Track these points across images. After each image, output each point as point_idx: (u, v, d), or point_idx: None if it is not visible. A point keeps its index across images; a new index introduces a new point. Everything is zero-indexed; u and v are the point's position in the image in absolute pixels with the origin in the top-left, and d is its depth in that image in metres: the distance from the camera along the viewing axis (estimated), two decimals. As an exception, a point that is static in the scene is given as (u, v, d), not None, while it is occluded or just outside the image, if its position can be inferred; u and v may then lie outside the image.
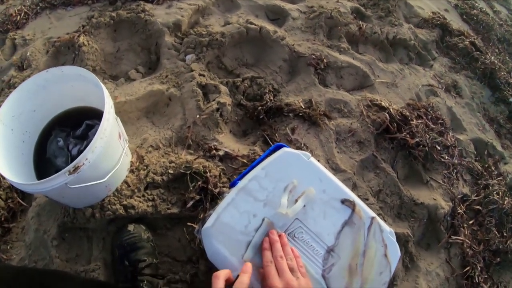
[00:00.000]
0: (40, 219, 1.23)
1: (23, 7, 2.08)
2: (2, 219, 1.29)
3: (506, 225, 1.87)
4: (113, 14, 1.86)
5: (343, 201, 1.03)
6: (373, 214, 1.05)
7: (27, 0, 2.16)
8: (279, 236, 0.93)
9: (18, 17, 2.02)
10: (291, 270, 0.85)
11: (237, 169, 1.37)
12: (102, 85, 1.03)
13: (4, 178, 1.00)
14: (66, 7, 2.08)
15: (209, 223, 0.95)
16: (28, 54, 1.75)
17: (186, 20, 1.89)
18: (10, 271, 0.84)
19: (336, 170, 1.50)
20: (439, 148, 1.83)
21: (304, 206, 0.99)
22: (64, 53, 1.77)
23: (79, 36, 1.74)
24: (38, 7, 2.09)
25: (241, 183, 1.00)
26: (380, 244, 1.02)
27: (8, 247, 1.26)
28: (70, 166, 0.90)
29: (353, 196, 1.05)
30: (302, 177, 1.03)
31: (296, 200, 0.98)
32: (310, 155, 1.07)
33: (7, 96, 1.52)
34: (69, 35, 1.78)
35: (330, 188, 1.04)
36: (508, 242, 1.81)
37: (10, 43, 1.90)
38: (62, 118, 1.26)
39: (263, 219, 0.96)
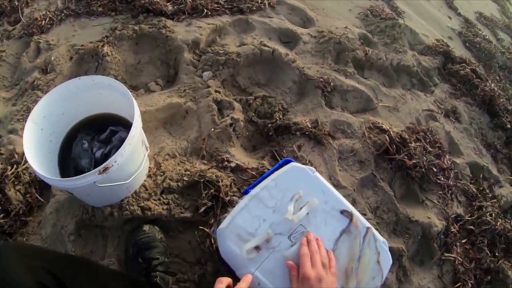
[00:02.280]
0: (59, 215, 1.31)
1: (48, 12, 2.12)
2: (20, 212, 1.33)
3: (498, 246, 1.94)
4: (136, 27, 1.95)
5: (342, 212, 1.15)
6: (368, 224, 1.17)
7: (51, 5, 2.20)
8: (316, 239, 1.05)
9: (43, 21, 2.05)
10: (323, 265, 0.97)
11: (246, 180, 1.48)
12: (132, 96, 1.14)
13: (36, 174, 1.04)
14: (90, 17, 2.14)
15: (223, 224, 1.07)
16: (52, 58, 1.81)
17: (204, 39, 2.00)
18: (53, 256, 0.88)
19: (337, 186, 1.60)
20: (435, 170, 1.92)
21: (308, 214, 1.10)
22: (88, 60, 1.85)
23: (103, 46, 1.83)
24: (63, 14, 2.13)
25: (253, 191, 1.12)
26: (374, 252, 1.13)
27: (24, 239, 1.32)
28: (101, 167, 1.00)
29: (351, 207, 1.17)
30: (307, 188, 1.15)
31: (301, 208, 1.10)
32: (315, 170, 1.20)
33: (31, 96, 1.66)
34: (93, 44, 1.86)
35: (331, 200, 1.16)
36: (499, 262, 1.87)
37: (34, 46, 1.94)
38: (88, 122, 1.35)
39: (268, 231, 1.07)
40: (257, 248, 1.03)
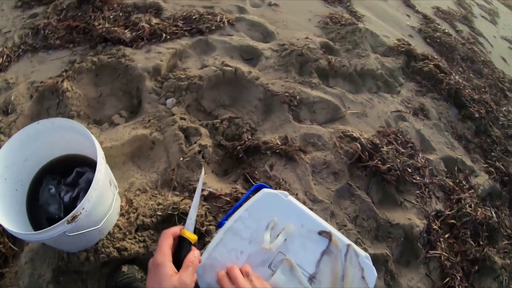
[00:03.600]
0: (34, 264, 1.26)
1: (5, 49, 2.08)
2: (-4, 263, 1.29)
3: (481, 234, 1.98)
4: (95, 59, 1.92)
5: (320, 233, 1.13)
6: (348, 241, 1.15)
7: (8, 41, 2.16)
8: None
9: (0, 59, 2.01)
10: (246, 274, 0.94)
11: (221, 207, 1.45)
12: (93, 137, 1.11)
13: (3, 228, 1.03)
14: (47, 51, 2.11)
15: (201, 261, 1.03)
16: (12, 98, 1.76)
17: (165, 64, 1.98)
18: None
19: (314, 201, 1.59)
20: (410, 170, 1.94)
21: (285, 240, 1.08)
22: (48, 98, 1.80)
23: (62, 81, 1.79)
24: (20, 50, 2.09)
25: (227, 224, 1.10)
26: (357, 268, 1.11)
27: (3, 290, 1.27)
28: (69, 216, 0.97)
29: (329, 227, 1.15)
30: (282, 214, 1.13)
31: (278, 236, 1.08)
32: (288, 193, 1.18)
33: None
34: (53, 80, 1.82)
35: (308, 222, 1.14)
36: (485, 250, 1.91)
37: (-7, 85, 1.88)
38: (52, 165, 1.31)
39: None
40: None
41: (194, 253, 0.90)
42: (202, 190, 1.48)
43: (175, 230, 0.93)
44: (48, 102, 1.80)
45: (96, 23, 2.19)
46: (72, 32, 2.19)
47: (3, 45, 2.13)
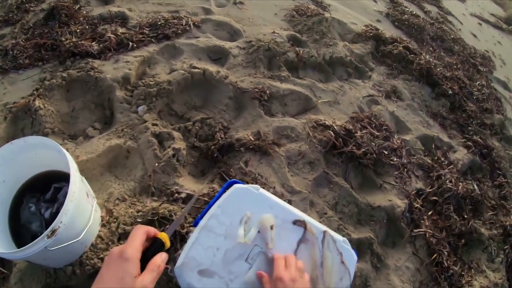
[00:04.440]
0: (24, 284, 1.26)
1: None
2: (-14, 288, 1.29)
3: (465, 208, 2.02)
4: (64, 74, 1.90)
5: (295, 222, 1.14)
6: (324, 228, 1.16)
7: None
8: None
9: None
10: (298, 269, 0.97)
11: (200, 207, 1.46)
12: (65, 151, 1.11)
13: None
14: (17, 71, 2.08)
15: (179, 262, 1.04)
16: None
17: (134, 73, 1.97)
18: None
19: (292, 192, 1.61)
20: (386, 152, 1.97)
21: (259, 232, 1.09)
22: (22, 118, 1.79)
23: (34, 100, 1.78)
24: None
25: (201, 223, 1.11)
26: (335, 253, 1.13)
27: (-5, 315, 1.26)
28: (48, 231, 0.97)
29: (303, 215, 1.16)
30: (254, 208, 1.14)
31: (252, 229, 1.09)
32: (259, 187, 1.19)
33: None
34: (25, 100, 1.81)
35: (281, 213, 1.15)
36: (470, 223, 1.95)
37: (-34, 110, 1.86)
38: (30, 184, 1.31)
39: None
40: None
41: (162, 256, 0.87)
42: (180, 192, 1.49)
43: (149, 229, 0.89)
44: (22, 122, 1.79)
45: (63, 39, 2.16)
46: (40, 50, 2.16)
47: (-26, 69, 2.11)
